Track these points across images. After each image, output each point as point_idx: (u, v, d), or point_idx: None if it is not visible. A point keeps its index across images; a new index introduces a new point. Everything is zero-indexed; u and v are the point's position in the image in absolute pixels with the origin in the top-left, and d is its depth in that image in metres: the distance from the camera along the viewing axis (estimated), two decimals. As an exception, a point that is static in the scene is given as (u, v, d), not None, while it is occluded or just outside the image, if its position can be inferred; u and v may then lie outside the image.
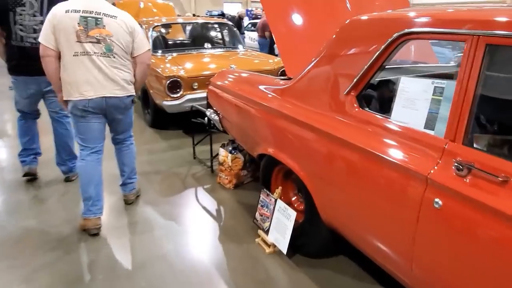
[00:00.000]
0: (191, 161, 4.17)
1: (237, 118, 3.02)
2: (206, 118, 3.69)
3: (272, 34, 2.77)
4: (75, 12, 2.47)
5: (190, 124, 4.13)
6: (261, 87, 2.75)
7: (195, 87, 4.60)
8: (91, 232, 2.71)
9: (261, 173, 2.83)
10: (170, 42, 5.93)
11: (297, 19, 2.84)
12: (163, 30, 5.82)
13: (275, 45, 11.23)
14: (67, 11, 2.46)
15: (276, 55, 6.32)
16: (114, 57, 2.58)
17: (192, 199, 3.36)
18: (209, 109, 3.56)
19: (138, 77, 2.82)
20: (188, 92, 4.59)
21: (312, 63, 2.23)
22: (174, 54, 5.18)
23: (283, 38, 2.79)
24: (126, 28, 2.60)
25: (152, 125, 5.27)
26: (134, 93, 2.83)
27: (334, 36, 2.09)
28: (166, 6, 8.15)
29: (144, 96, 5.35)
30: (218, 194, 3.43)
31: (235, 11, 14.76)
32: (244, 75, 3.24)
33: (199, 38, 5.85)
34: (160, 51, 5.26)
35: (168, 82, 4.43)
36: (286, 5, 2.82)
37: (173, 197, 3.38)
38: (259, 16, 18.26)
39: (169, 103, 4.50)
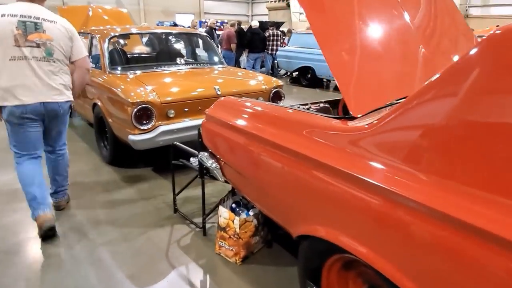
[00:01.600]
0: (171, 217, 3.08)
1: (259, 173, 2.02)
2: (196, 162, 2.67)
3: (325, 59, 1.84)
4: (12, 16, 2.45)
5: (166, 160, 3.07)
6: (303, 130, 1.79)
7: (171, 116, 3.53)
8: (46, 227, 2.61)
9: (302, 262, 1.85)
10: (131, 57, 4.80)
11: (357, 36, 1.94)
12: (121, 42, 4.67)
13: (241, 58, 10.37)
14: (3, 15, 2.44)
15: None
16: (54, 61, 2.60)
17: (180, 285, 2.29)
18: (202, 153, 2.54)
19: (77, 82, 2.83)
20: (162, 122, 3.50)
21: (423, 96, 1.32)
22: (138, 72, 4.07)
23: (339, 61, 1.87)
24: (66, 33, 2.64)
25: (111, 162, 4.09)
26: (72, 99, 2.81)
27: (475, 54, 1.18)
28: (120, 13, 6.96)
29: (100, 125, 4.17)
30: (219, 273, 2.39)
31: (188, 23, 13.59)
32: (259, 107, 2.25)
33: (168, 52, 4.77)
34: (119, 68, 4.12)
35: (136, 110, 3.33)
36: (339, 23, 1.92)
37: (148, 282, 2.29)
38: (215, 28, 17.30)
39: (137, 137, 3.39)
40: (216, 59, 4.76)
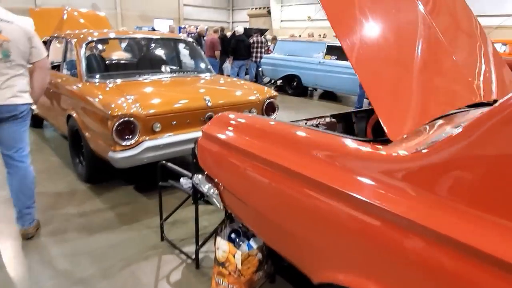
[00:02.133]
0: (158, 245, 2.72)
1: (268, 204, 1.70)
2: (188, 183, 2.35)
3: (359, 80, 1.56)
4: None
5: (151, 177, 2.72)
6: (323, 154, 1.49)
7: (157, 130, 3.17)
8: None
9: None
10: (110, 64, 4.40)
11: (391, 47, 1.68)
12: (100, 47, 4.27)
13: (224, 65, 10.04)
14: None
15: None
16: (11, 63, 2.49)
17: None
18: (197, 175, 2.21)
19: (38, 84, 2.71)
20: (147, 137, 3.14)
21: (495, 119, 1.04)
22: (118, 81, 3.69)
23: (372, 73, 1.59)
24: (24, 33, 2.53)
25: (88, 180, 3.68)
26: (31, 101, 2.67)
27: None
28: (97, 17, 6.53)
29: (75, 139, 3.76)
30: (219, 319, 2.05)
31: (166, 28, 13.07)
32: (265, 124, 1.94)
33: (151, 58, 4.39)
34: (97, 76, 3.73)
35: (117, 124, 2.96)
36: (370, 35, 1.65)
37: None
38: (191, 34, 16.79)
39: (118, 154, 3.01)
40: (203, 66, 4.42)
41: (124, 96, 3.22)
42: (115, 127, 2.94)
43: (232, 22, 29.64)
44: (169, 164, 2.56)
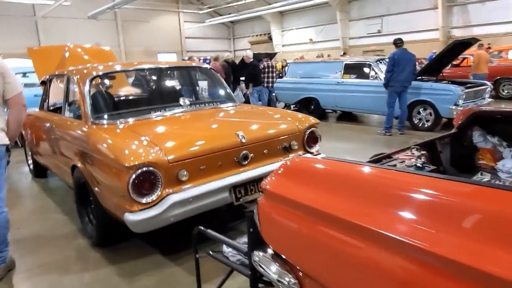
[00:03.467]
0: (199, 338, 2.01)
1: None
2: (239, 257, 1.69)
3: None
4: None
5: (180, 234, 2.06)
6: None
7: (184, 179, 2.51)
8: None
9: None
10: (119, 101, 3.82)
11: None
12: (106, 83, 3.70)
13: (235, 93, 9.51)
14: None
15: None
16: None
17: None
18: (257, 253, 1.53)
19: (14, 121, 2.57)
20: (172, 189, 2.48)
21: None
22: (130, 120, 3.07)
23: None
24: None
25: (100, 243, 3.01)
26: (7, 142, 2.55)
27: None
28: (102, 52, 6.03)
29: (82, 193, 3.12)
30: None
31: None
32: (368, 171, 1.28)
33: (165, 91, 3.81)
34: (105, 116, 3.13)
35: (134, 176, 2.31)
36: None
37: None
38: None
39: (137, 216, 2.34)
40: (224, 95, 3.82)
41: (139, 139, 2.60)
42: (131, 181, 2.30)
43: (234, 51, 29.57)
44: (210, 231, 1.89)
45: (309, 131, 3.27)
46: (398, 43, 6.82)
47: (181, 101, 3.43)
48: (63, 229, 3.47)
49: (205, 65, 3.99)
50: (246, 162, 2.84)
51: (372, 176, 1.24)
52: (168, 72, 3.91)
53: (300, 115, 3.48)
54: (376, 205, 1.10)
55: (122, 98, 3.96)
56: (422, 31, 19.42)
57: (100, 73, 3.36)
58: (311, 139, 3.30)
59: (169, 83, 3.95)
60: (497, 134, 2.44)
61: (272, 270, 1.44)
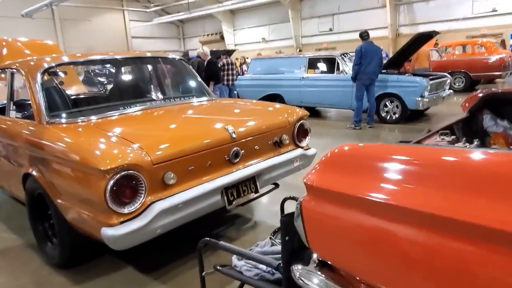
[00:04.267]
0: None
1: None
2: (257, 272, 1.36)
3: None
4: None
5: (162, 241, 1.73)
6: None
7: (171, 182, 2.10)
8: None
9: None
10: (75, 96, 3.27)
11: None
12: (60, 76, 3.13)
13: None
14: None
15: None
16: None
17: None
18: (297, 266, 1.20)
19: None
20: (157, 195, 2.07)
21: None
22: (94, 118, 2.59)
23: None
24: None
25: (64, 264, 2.50)
26: None
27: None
28: (46, 45, 5.33)
29: (37, 206, 2.60)
30: None
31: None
32: (430, 155, 0.99)
33: (130, 85, 3.29)
34: (63, 115, 2.62)
35: (113, 182, 1.87)
36: None
37: None
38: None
39: (118, 230, 1.89)
40: (198, 89, 3.40)
41: (112, 138, 2.15)
42: (109, 188, 1.86)
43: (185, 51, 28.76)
44: (222, 243, 1.52)
45: (298, 123, 2.97)
46: (364, 35, 6.75)
47: (153, 95, 2.99)
48: (14, 251, 2.90)
49: (176, 57, 3.55)
50: (237, 160, 2.49)
51: (473, 162, 0.95)
52: (131, 63, 3.40)
53: (286, 106, 3.17)
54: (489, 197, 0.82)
55: (79, 94, 3.39)
56: (372, 29, 20.01)
57: (53, 64, 2.82)
58: (301, 132, 3.00)
59: (134, 76, 3.44)
60: (506, 117, 2.28)
61: (320, 286, 1.12)
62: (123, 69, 3.41)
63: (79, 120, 2.55)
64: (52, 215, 2.43)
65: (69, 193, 2.15)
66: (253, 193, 2.58)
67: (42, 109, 2.57)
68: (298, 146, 2.99)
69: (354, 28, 20.69)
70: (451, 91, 7.66)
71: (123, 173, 1.90)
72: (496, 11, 17.70)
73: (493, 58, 11.36)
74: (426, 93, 6.69)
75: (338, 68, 7.59)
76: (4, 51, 4.92)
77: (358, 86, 6.70)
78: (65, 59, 2.87)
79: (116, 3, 24.85)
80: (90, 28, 23.71)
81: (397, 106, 6.99)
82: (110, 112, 2.69)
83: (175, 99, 3.13)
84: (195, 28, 28.51)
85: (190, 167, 2.22)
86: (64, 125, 2.51)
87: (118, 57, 3.21)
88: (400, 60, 7.65)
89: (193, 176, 2.25)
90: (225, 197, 2.38)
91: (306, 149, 3.03)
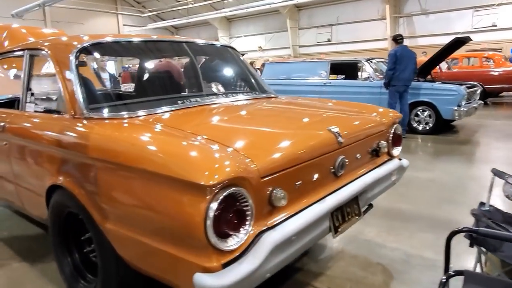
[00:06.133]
0: None
1: None
2: None
3: None
4: None
5: None
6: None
7: (282, 204, 1.47)
8: None
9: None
10: (123, 89, 2.60)
11: None
12: (98, 59, 2.46)
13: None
14: None
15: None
16: None
17: None
18: None
19: None
20: (264, 222, 1.43)
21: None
22: (143, 114, 1.92)
23: None
24: None
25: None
26: None
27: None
28: (52, 34, 4.64)
29: (62, 224, 1.94)
30: None
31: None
32: None
33: (187, 76, 2.62)
34: (106, 108, 1.96)
35: (217, 202, 1.23)
36: None
37: None
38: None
39: (222, 279, 1.23)
40: (260, 84, 2.79)
41: (196, 140, 1.51)
42: (212, 212, 1.22)
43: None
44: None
45: (393, 127, 2.39)
46: (398, 39, 6.29)
47: (213, 88, 2.36)
48: (28, 285, 2.21)
49: (233, 47, 2.91)
50: (342, 172, 1.88)
51: None
52: (183, 49, 2.70)
53: (373, 106, 2.59)
54: None
55: (117, 83, 2.70)
56: (371, 40, 19.83)
57: (91, 43, 2.16)
58: (396, 138, 2.42)
59: (188, 64, 2.77)
60: None
61: None
62: (172, 55, 2.75)
63: (125, 115, 1.90)
64: (95, 246, 1.77)
65: (132, 217, 1.50)
66: (356, 216, 1.97)
67: (79, 100, 1.92)
68: (391, 156, 2.41)
69: (353, 39, 20.53)
70: (481, 101, 7.24)
71: (229, 190, 1.27)
72: (496, 26, 17.72)
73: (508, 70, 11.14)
74: (463, 103, 6.23)
75: (363, 74, 7.12)
76: (6, 43, 4.21)
77: (391, 93, 6.20)
78: (106, 38, 2.22)
79: (110, 7, 24.14)
80: (82, 31, 22.80)
81: (429, 116, 6.51)
82: (165, 107, 2.05)
83: (239, 94, 2.50)
84: (190, 35, 27.93)
85: (297, 182, 1.60)
86: (107, 121, 1.86)
87: (169, 40, 2.55)
88: (429, 67, 7.20)
89: (300, 195, 1.63)
90: (332, 223, 1.76)
91: (400, 160, 2.45)
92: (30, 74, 2.39)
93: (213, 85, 2.40)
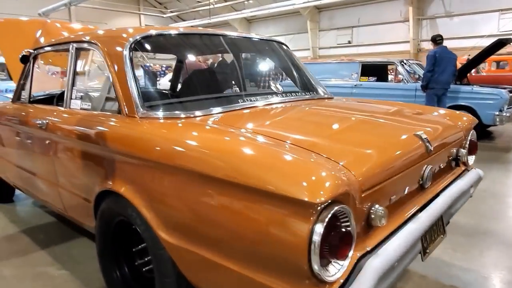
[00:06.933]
0: None
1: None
2: None
3: None
4: None
5: None
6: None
7: (382, 223, 1.25)
8: None
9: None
10: (179, 83, 2.42)
11: None
12: (153, 51, 2.29)
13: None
14: None
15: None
16: None
17: None
18: None
19: None
20: (363, 245, 1.22)
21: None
22: (199, 114, 1.73)
23: None
24: None
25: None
26: None
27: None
28: (86, 29, 4.52)
29: (111, 233, 1.77)
30: None
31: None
32: None
33: (247, 73, 2.43)
34: (162, 107, 1.79)
35: (325, 224, 1.03)
36: None
37: None
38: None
39: None
40: (317, 84, 2.58)
41: (284, 145, 1.31)
42: (319, 235, 1.02)
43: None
44: None
45: (470, 133, 2.15)
46: (438, 39, 5.99)
47: (272, 87, 2.16)
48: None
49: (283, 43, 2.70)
50: (429, 184, 1.66)
51: None
52: (242, 45, 2.47)
53: (445, 109, 2.36)
54: None
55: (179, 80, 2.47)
56: (392, 43, 19.42)
57: (150, 34, 1.98)
58: (472, 146, 2.18)
59: (246, 61, 2.55)
60: None
61: None
62: (232, 50, 2.54)
63: (182, 115, 1.71)
64: (147, 256, 1.59)
65: (206, 234, 1.30)
66: (441, 235, 1.74)
67: (134, 98, 1.74)
68: (465, 166, 2.17)
69: (374, 42, 20.14)
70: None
71: (335, 208, 1.06)
72: (523, 29, 17.14)
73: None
74: (505, 107, 5.91)
75: (396, 76, 6.85)
76: (42, 36, 4.08)
77: (429, 96, 5.91)
78: (167, 30, 2.04)
79: (133, 7, 24.30)
80: (105, 31, 23.04)
81: (468, 121, 6.19)
82: (228, 106, 1.86)
83: (298, 93, 2.29)
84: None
85: (392, 197, 1.39)
86: (169, 121, 1.67)
87: (229, 34, 2.36)
88: (466, 70, 6.89)
89: (394, 211, 1.41)
90: (421, 244, 1.54)
91: (475, 169, 2.21)
92: (76, 69, 2.23)
93: (271, 83, 2.20)
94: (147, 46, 2.03)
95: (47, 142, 2.23)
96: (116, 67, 1.85)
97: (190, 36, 2.21)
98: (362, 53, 20.34)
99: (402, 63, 6.88)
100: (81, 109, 2.14)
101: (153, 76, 2.25)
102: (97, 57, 2.07)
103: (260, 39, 2.50)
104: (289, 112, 1.93)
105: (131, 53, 1.87)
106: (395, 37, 19.59)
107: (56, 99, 2.68)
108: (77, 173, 2.01)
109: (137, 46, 1.93)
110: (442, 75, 5.78)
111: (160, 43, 2.18)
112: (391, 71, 8.28)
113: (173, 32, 2.12)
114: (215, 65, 2.27)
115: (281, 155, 1.20)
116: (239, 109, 1.83)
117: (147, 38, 2.00)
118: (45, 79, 3.40)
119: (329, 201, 1.03)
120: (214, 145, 1.34)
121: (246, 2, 21.10)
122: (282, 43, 2.65)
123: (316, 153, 1.23)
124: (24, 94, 2.79)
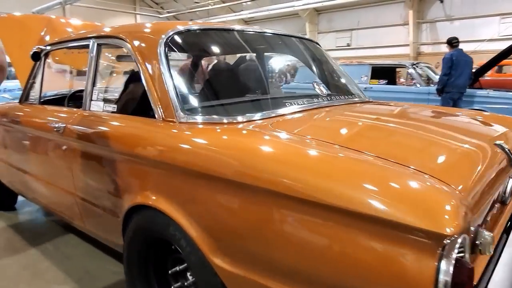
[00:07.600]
0: None
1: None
2: None
3: None
4: None
5: None
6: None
7: (489, 252, 1.04)
8: None
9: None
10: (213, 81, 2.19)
11: None
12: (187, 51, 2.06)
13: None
14: None
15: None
16: None
17: None
18: None
19: None
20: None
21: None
22: (240, 118, 1.51)
23: None
24: None
25: None
26: None
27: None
28: (92, 26, 4.29)
29: (143, 252, 1.55)
30: None
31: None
32: None
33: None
34: (201, 111, 1.58)
35: (456, 258, 0.82)
36: None
37: None
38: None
39: None
40: (354, 86, 2.38)
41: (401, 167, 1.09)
42: (449, 270, 0.81)
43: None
44: None
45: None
46: (454, 42, 5.85)
47: (317, 89, 1.96)
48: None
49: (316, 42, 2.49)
50: (510, 199, 1.46)
51: None
52: (279, 44, 2.27)
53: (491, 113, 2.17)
54: None
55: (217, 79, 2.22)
56: (392, 46, 19.34)
57: (189, 28, 1.76)
58: None
59: (315, 63, 2.35)
60: None
61: None
62: (267, 51, 2.32)
63: (224, 120, 1.50)
64: (188, 280, 1.37)
65: (278, 263, 1.09)
66: None
67: (173, 100, 1.52)
68: None
69: (373, 44, 20.04)
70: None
71: (461, 240, 0.86)
72: (524, 33, 17.15)
73: None
74: (522, 112, 5.78)
75: (406, 79, 6.70)
76: (47, 34, 3.82)
77: (445, 100, 5.76)
78: (206, 25, 1.82)
79: (129, 7, 23.99)
80: (100, 30, 22.71)
81: (483, 126, 6.05)
82: (282, 109, 1.65)
83: (341, 96, 2.09)
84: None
85: (488, 218, 1.19)
86: (217, 127, 1.45)
87: (267, 31, 2.14)
88: (479, 74, 6.75)
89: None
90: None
91: None
92: (97, 68, 2.00)
93: (315, 85, 1.99)
94: (185, 42, 1.81)
95: (63, 147, 2.01)
96: (149, 66, 1.64)
97: (229, 33, 1.99)
98: (360, 56, 20.26)
99: (414, 65, 6.73)
100: (103, 111, 1.91)
101: (189, 74, 2.03)
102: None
103: (300, 37, 2.28)
104: (352, 118, 1.73)
105: (166, 49, 1.65)
106: (394, 40, 19.52)
107: (67, 100, 2.46)
108: (101, 183, 1.79)
109: (174, 42, 1.71)
110: (459, 79, 5.63)
111: (198, 39, 1.96)
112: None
113: (219, 27, 1.90)
114: (240, 65, 2.08)
115: (392, 176, 0.99)
116: (300, 111, 1.62)
117: (184, 33, 1.78)
118: (53, 78, 3.16)
119: (459, 232, 0.82)
120: (298, 160, 1.12)
121: (244, 3, 20.93)
122: (317, 43, 2.44)
123: (430, 175, 1.00)
124: (34, 94, 2.55)
